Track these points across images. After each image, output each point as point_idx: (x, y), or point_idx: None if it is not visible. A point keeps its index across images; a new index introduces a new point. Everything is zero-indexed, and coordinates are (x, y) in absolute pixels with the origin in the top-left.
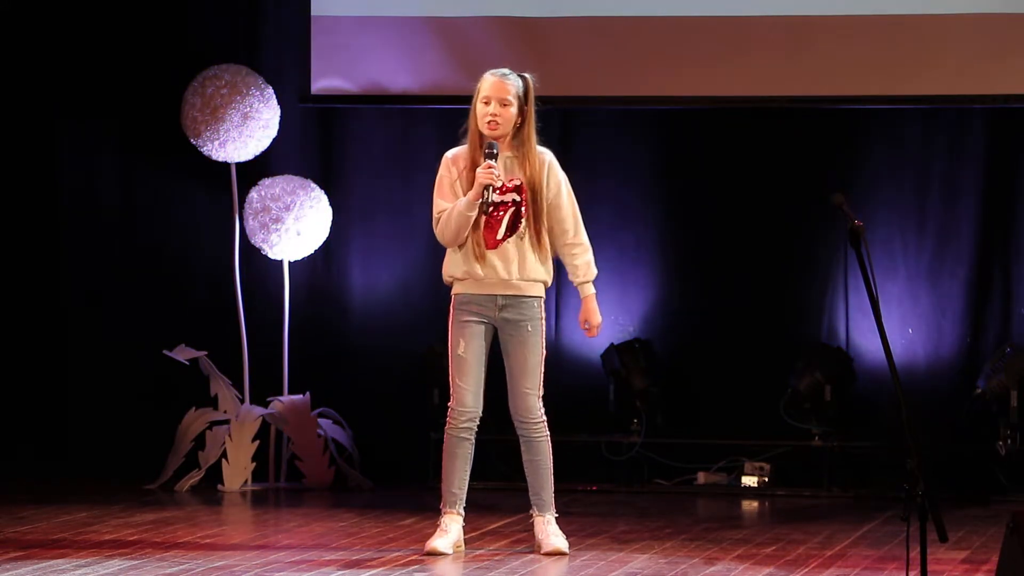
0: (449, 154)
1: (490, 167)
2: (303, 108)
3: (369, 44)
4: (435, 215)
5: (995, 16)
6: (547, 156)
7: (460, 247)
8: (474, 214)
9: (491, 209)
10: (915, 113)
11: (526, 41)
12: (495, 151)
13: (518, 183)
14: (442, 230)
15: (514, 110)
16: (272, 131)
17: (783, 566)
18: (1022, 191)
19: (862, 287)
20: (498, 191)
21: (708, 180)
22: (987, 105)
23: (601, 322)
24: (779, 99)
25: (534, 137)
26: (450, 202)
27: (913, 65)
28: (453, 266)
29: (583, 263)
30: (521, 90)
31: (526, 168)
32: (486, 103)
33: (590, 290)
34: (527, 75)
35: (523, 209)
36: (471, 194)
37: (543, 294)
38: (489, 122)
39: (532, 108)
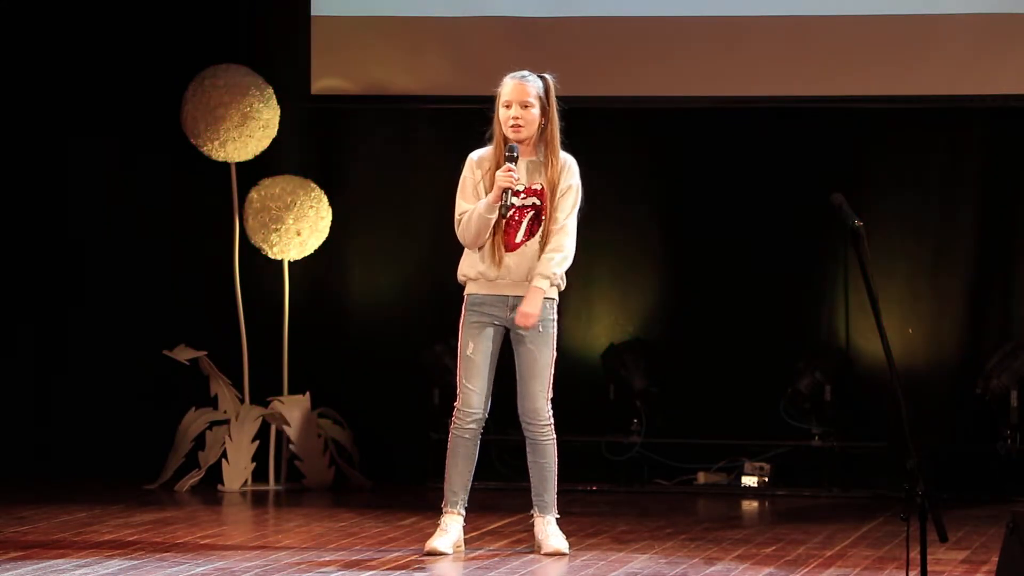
0: (474, 155)
1: (509, 170)
2: (303, 108)
3: (369, 44)
4: (456, 216)
5: (995, 16)
6: (568, 160)
7: (479, 248)
8: (494, 216)
9: (509, 212)
10: (915, 113)
11: (526, 41)
12: (515, 154)
13: (539, 187)
14: (463, 232)
15: (536, 111)
16: (272, 131)
17: (783, 566)
18: (1022, 191)
19: (862, 287)
20: (518, 194)
21: (708, 180)
22: (987, 105)
23: (532, 314)
24: (779, 99)
25: (558, 139)
26: (472, 204)
27: (913, 65)
28: (468, 266)
29: (547, 257)
30: (542, 91)
31: (548, 172)
32: (507, 107)
33: (539, 282)
34: (547, 76)
35: (543, 212)
36: (490, 197)
37: (556, 296)
38: (513, 126)
39: (554, 108)
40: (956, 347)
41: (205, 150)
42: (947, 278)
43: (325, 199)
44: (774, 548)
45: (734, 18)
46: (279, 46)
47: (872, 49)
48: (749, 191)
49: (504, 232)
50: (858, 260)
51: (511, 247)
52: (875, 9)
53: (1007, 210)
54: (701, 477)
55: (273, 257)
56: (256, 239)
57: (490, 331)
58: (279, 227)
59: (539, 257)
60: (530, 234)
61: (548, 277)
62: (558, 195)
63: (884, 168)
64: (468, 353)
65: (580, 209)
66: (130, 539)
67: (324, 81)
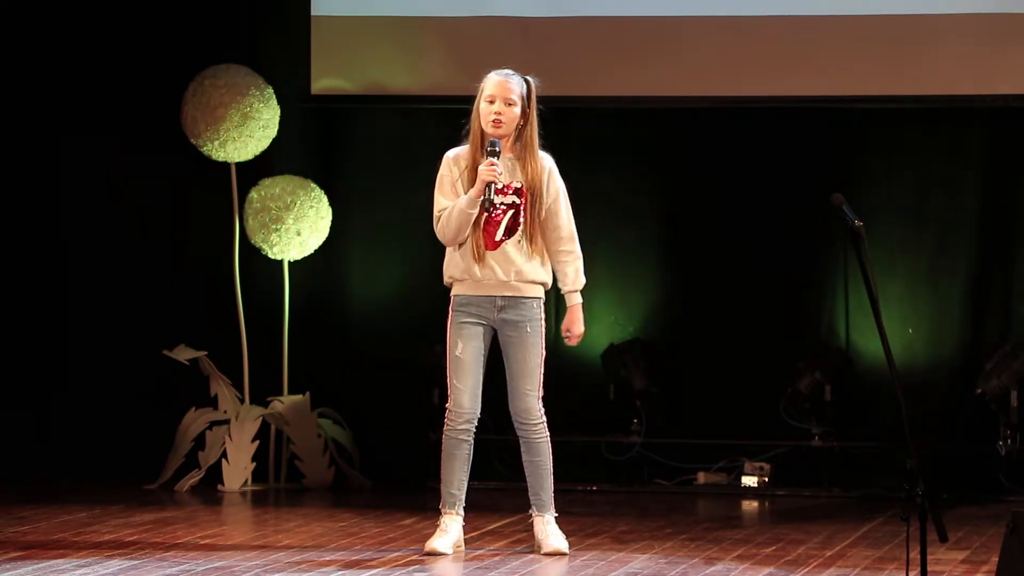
0: (451, 153)
1: (492, 164)
2: (303, 108)
3: (369, 44)
4: (436, 214)
5: (995, 16)
6: (548, 162)
7: (459, 247)
8: (475, 212)
9: (491, 208)
10: (915, 113)
11: (526, 41)
12: (497, 148)
13: (518, 186)
14: (442, 229)
15: (517, 110)
16: (272, 131)
17: (783, 566)
18: (1022, 191)
19: (862, 287)
20: (499, 192)
21: (708, 180)
22: (987, 105)
23: (583, 333)
24: (779, 99)
25: (537, 140)
26: (451, 201)
27: (913, 65)
28: (452, 266)
29: (572, 270)
30: (524, 91)
31: (527, 171)
32: (490, 102)
33: (576, 299)
34: (530, 78)
35: (523, 212)
36: (472, 191)
37: (543, 295)
38: (493, 120)
39: (535, 111)
40: (956, 347)
41: (205, 150)
42: (947, 278)
43: (325, 199)
44: (774, 548)
45: (734, 18)
46: (279, 46)
47: (872, 49)
48: (749, 191)
49: (484, 231)
50: (858, 260)
51: (491, 246)
52: (875, 9)
53: (1007, 210)
54: (701, 477)
55: (273, 257)
56: (256, 239)
57: (478, 331)
58: (279, 227)
59: (528, 256)
60: (509, 233)
61: (579, 290)
62: (547, 200)
63: (884, 168)
64: (457, 353)
65: None
66: (130, 539)
67: (324, 81)
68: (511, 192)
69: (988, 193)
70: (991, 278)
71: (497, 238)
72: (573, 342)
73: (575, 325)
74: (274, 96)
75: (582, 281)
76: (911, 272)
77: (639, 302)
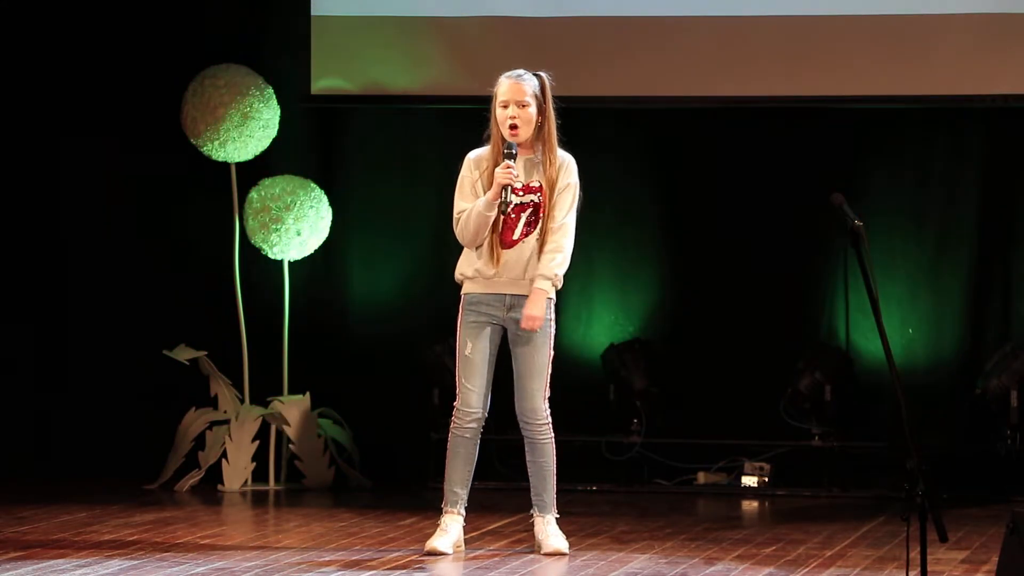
0: (472, 155)
1: (508, 167)
2: (303, 108)
3: (369, 44)
4: (455, 215)
5: (995, 16)
6: (567, 159)
7: (477, 247)
8: (493, 214)
9: (509, 209)
10: (915, 113)
11: (526, 41)
12: (513, 151)
13: (537, 184)
14: (461, 230)
15: (533, 110)
16: (272, 131)
17: (783, 566)
18: (1022, 191)
19: (862, 287)
20: (517, 191)
21: (708, 180)
22: (987, 105)
23: (537, 317)
24: (780, 99)
25: (555, 136)
26: (470, 203)
27: (913, 65)
28: (465, 264)
29: (548, 258)
30: (538, 89)
31: (546, 169)
32: (504, 107)
33: (540, 283)
34: (542, 73)
35: (541, 210)
36: (489, 194)
37: (553, 295)
38: (511, 126)
39: (551, 106)
40: (956, 347)
41: (205, 150)
42: (947, 278)
43: (325, 199)
44: (774, 548)
45: (734, 18)
46: (279, 46)
47: (872, 49)
48: (749, 191)
49: (501, 229)
50: (858, 260)
51: (508, 244)
52: (875, 9)
53: (1007, 210)
54: (701, 477)
55: (273, 257)
56: (256, 239)
57: (488, 330)
58: (279, 227)
59: (538, 255)
60: (527, 231)
61: (550, 278)
62: (556, 193)
63: (884, 168)
64: (467, 353)
65: (578, 208)
66: (130, 539)
67: (324, 81)
68: (531, 190)
69: (988, 193)
70: (991, 278)
71: (515, 236)
72: (524, 324)
73: (529, 307)
74: (274, 96)
75: (554, 271)
76: (911, 272)
77: (639, 302)
